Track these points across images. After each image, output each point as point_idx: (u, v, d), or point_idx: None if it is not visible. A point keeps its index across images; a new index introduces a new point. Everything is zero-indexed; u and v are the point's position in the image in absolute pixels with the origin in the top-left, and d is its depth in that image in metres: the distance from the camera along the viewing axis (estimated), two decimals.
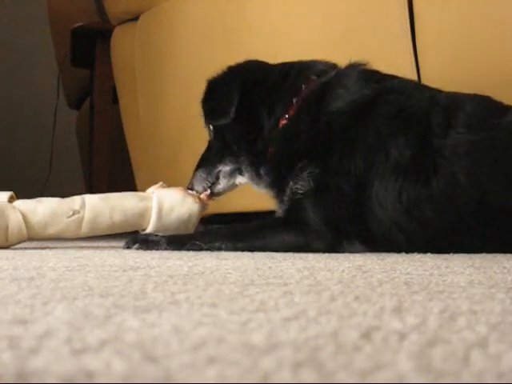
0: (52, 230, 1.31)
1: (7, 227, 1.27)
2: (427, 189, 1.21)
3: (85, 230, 1.33)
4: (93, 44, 2.68)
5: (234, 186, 1.44)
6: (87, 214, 1.32)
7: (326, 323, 0.44)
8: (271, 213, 2.03)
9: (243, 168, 1.38)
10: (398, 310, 0.50)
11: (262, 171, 1.36)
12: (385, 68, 1.37)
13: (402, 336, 0.40)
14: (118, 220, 1.34)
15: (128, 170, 2.37)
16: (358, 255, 1.16)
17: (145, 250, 1.27)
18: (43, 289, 0.61)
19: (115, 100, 2.53)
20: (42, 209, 1.30)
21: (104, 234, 1.39)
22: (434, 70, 1.62)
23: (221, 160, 1.39)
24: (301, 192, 1.25)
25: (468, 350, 0.36)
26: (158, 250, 1.26)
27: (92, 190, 2.60)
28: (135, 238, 1.31)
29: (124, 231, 1.42)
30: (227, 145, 1.38)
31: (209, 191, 1.43)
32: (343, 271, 0.82)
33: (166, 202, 1.37)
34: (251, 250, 1.23)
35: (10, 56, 4.08)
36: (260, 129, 1.34)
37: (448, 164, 1.21)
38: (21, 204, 1.31)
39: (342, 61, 1.37)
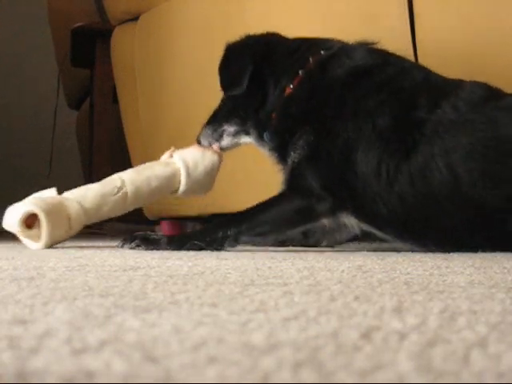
0: (103, 211, 1.38)
1: (69, 216, 1.33)
2: (406, 163, 1.23)
3: (130, 203, 1.41)
4: (93, 44, 2.68)
5: (238, 144, 1.50)
6: (129, 188, 1.39)
7: (325, 323, 0.44)
8: None
9: (249, 131, 1.44)
10: (398, 310, 0.50)
11: (265, 137, 1.41)
12: None
13: (402, 336, 0.40)
14: (155, 187, 1.42)
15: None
16: (357, 255, 1.16)
17: (145, 249, 1.28)
18: (43, 289, 0.61)
19: (115, 100, 2.53)
20: (91, 193, 1.38)
21: (145, 203, 1.50)
22: (434, 70, 1.62)
23: (227, 120, 1.46)
24: (297, 161, 1.31)
25: (468, 350, 0.36)
26: (157, 249, 1.27)
27: None
28: (133, 236, 1.33)
29: (161, 196, 1.49)
30: (235, 108, 1.44)
31: (217, 144, 1.48)
32: (343, 271, 0.82)
33: (190, 160, 1.45)
34: (256, 230, 1.28)
35: (9, 56, 4.08)
36: (266, 97, 1.40)
37: (428, 142, 1.24)
38: (70, 194, 1.37)
39: None
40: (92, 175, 2.65)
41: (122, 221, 2.99)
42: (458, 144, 1.23)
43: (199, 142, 1.48)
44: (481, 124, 1.25)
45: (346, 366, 0.33)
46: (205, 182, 1.47)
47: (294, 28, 1.86)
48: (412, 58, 1.65)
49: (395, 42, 1.66)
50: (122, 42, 2.30)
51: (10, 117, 4.04)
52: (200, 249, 1.25)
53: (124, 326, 0.42)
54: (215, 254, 1.19)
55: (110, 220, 2.51)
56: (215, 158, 1.46)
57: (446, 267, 0.89)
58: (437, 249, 1.26)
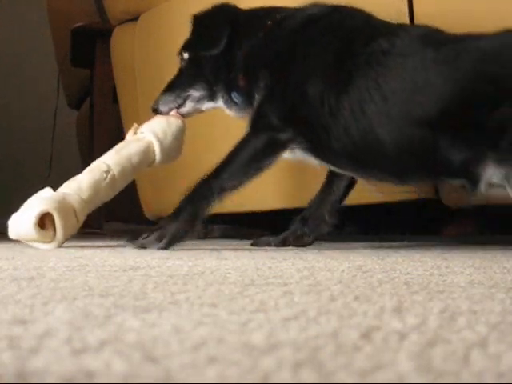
0: (98, 198, 1.40)
1: (74, 209, 1.35)
2: (346, 96, 1.30)
3: (119, 184, 1.43)
4: (93, 44, 2.67)
5: (200, 110, 1.52)
6: (116, 170, 1.42)
7: (325, 323, 0.44)
8: (272, 213, 2.03)
9: (219, 94, 1.47)
10: (398, 310, 0.50)
11: (234, 97, 1.46)
12: None
13: (402, 336, 0.40)
14: (135, 163, 1.45)
15: None
16: (357, 255, 1.16)
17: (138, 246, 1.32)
18: (43, 289, 0.61)
19: (115, 100, 2.52)
20: (85, 184, 1.40)
21: (129, 181, 1.50)
22: None
23: (191, 85, 1.48)
24: (259, 102, 1.39)
25: (468, 350, 0.36)
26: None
27: None
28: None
29: (142, 171, 1.53)
30: (202, 72, 1.47)
31: (175, 111, 1.50)
32: (343, 271, 0.82)
33: (158, 130, 1.48)
34: (237, 175, 1.33)
35: (10, 56, 4.08)
36: (234, 59, 1.45)
37: (362, 74, 1.30)
38: (66, 189, 1.39)
39: None
40: None
41: (122, 221, 2.99)
42: (389, 76, 1.29)
43: (156, 110, 1.50)
44: (412, 59, 1.29)
45: (346, 366, 0.33)
46: (175, 147, 1.51)
47: None
48: None
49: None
50: (122, 42, 2.30)
51: (10, 117, 4.03)
52: (194, 215, 1.30)
53: (124, 326, 0.42)
54: (215, 254, 1.19)
55: (110, 220, 2.51)
56: (179, 122, 1.50)
57: (446, 267, 0.89)
58: (389, 180, 1.35)
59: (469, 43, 1.28)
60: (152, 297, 0.56)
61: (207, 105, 1.50)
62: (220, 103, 1.49)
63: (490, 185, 1.27)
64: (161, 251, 1.25)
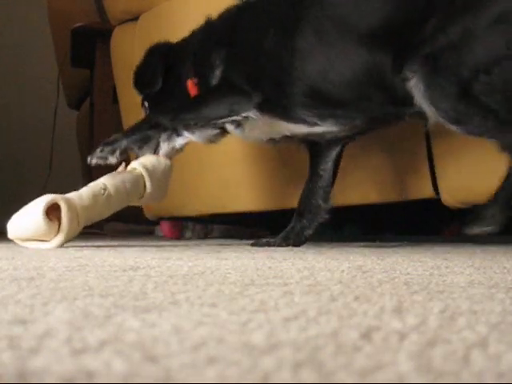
0: (96, 211, 1.41)
1: (77, 213, 1.36)
2: (299, 40, 1.39)
3: (114, 204, 1.44)
4: (93, 44, 2.67)
5: (176, 149, 1.55)
6: (111, 189, 1.44)
7: (325, 323, 0.44)
8: (272, 213, 2.03)
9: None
10: (398, 310, 0.50)
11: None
12: None
13: (402, 336, 0.40)
14: (129, 189, 1.47)
15: None
16: (357, 255, 1.16)
17: (107, 149, 1.43)
18: (43, 289, 0.61)
19: (115, 100, 2.52)
20: (85, 194, 1.41)
21: (122, 207, 1.51)
22: None
23: (156, 128, 1.52)
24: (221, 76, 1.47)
25: (468, 350, 0.36)
26: (117, 146, 1.45)
27: None
28: (97, 145, 1.47)
29: (130, 202, 1.54)
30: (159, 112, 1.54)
31: (155, 155, 1.55)
32: (343, 271, 0.82)
33: (148, 165, 1.51)
34: (190, 121, 1.44)
35: (10, 56, 4.08)
36: (184, 88, 1.53)
37: (306, 17, 1.40)
38: (67, 195, 1.39)
39: None
40: (92, 175, 2.65)
41: (122, 221, 2.99)
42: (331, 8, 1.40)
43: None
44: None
45: (346, 366, 0.33)
46: (164, 184, 1.55)
47: None
48: None
49: None
50: (122, 42, 2.30)
51: (10, 117, 4.03)
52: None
53: (124, 326, 0.42)
54: (215, 254, 1.20)
55: (110, 220, 2.51)
56: (168, 161, 1.54)
57: (446, 267, 0.89)
58: (352, 118, 1.40)
59: None
60: (152, 297, 0.56)
61: (180, 140, 1.53)
62: (187, 134, 1.51)
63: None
64: (161, 251, 1.25)
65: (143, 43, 2.21)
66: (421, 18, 1.31)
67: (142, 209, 2.28)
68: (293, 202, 1.61)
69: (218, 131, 1.51)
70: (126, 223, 3.00)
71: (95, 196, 1.41)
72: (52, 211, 1.34)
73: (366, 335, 0.40)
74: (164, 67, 1.55)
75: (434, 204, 1.72)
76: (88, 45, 2.67)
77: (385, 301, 0.55)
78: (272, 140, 1.54)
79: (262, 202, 1.94)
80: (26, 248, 1.34)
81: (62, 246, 1.34)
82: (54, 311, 0.48)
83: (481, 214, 1.31)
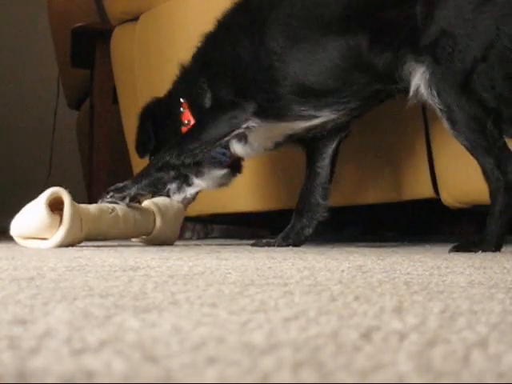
0: (102, 227, 1.41)
1: (80, 217, 1.35)
2: (271, 43, 1.43)
3: (120, 228, 1.43)
4: (93, 44, 2.67)
5: (188, 199, 1.59)
6: (120, 212, 1.43)
7: (325, 323, 0.44)
8: (272, 213, 2.03)
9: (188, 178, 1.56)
10: (398, 310, 0.50)
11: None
12: None
13: (402, 336, 0.40)
14: (138, 219, 1.47)
15: (128, 169, 2.37)
16: (357, 255, 1.16)
17: (117, 196, 1.45)
18: (43, 289, 0.61)
19: (115, 100, 2.52)
20: (91, 207, 1.41)
21: (128, 237, 1.53)
22: None
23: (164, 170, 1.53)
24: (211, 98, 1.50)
25: (468, 350, 0.36)
26: (127, 193, 1.46)
27: (92, 190, 2.60)
28: (107, 191, 1.47)
29: (138, 235, 1.54)
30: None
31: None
32: (343, 271, 0.82)
33: (160, 204, 1.52)
34: (195, 150, 1.44)
35: (9, 56, 4.08)
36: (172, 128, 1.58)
37: (274, 17, 1.44)
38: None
39: None
40: (92, 175, 2.65)
41: None
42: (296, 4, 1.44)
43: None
44: None
45: (346, 366, 0.33)
46: (173, 226, 1.56)
47: None
48: None
49: None
50: (122, 42, 2.30)
51: (10, 117, 4.03)
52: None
53: (124, 326, 0.42)
54: (215, 254, 1.20)
55: None
56: (180, 205, 1.56)
57: (446, 267, 0.89)
58: (338, 103, 1.42)
59: None
60: (152, 297, 0.56)
61: (190, 190, 1.56)
62: (202, 179, 1.55)
63: (419, 90, 1.34)
64: (161, 251, 1.25)
65: (143, 43, 2.22)
66: (404, 3, 1.34)
67: None
68: (293, 202, 1.61)
69: (226, 171, 1.55)
70: None
71: (102, 211, 1.41)
72: (55, 210, 1.34)
73: (366, 335, 0.40)
74: (153, 123, 1.58)
75: (434, 204, 1.72)
76: (88, 45, 2.67)
77: (385, 301, 0.55)
78: (278, 144, 1.54)
79: (262, 202, 1.94)
80: (26, 248, 1.34)
81: (62, 245, 1.33)
82: (53, 311, 0.48)
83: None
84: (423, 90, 1.33)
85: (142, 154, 1.62)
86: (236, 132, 1.45)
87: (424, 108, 1.64)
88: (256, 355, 0.34)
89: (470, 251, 1.27)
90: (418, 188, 1.71)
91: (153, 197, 1.59)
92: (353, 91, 1.40)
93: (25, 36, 4.10)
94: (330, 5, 1.40)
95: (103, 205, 1.44)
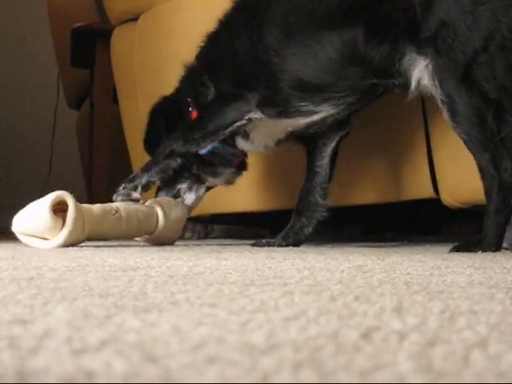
0: (104, 228, 1.40)
1: (83, 218, 1.35)
2: (270, 37, 1.44)
3: (123, 229, 1.43)
4: (93, 44, 2.67)
5: (200, 197, 1.61)
6: (123, 213, 1.43)
7: (326, 323, 0.44)
8: (272, 213, 2.03)
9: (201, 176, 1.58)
10: (398, 310, 0.49)
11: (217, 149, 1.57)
12: None
13: (402, 336, 0.40)
14: (141, 219, 1.47)
15: (128, 170, 2.37)
16: (357, 255, 1.16)
17: (128, 186, 1.46)
18: (43, 289, 0.61)
19: (115, 100, 2.52)
20: (94, 207, 1.40)
21: (131, 237, 1.52)
22: None
23: (177, 179, 1.57)
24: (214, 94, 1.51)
25: (468, 350, 0.36)
26: (138, 182, 1.46)
27: (92, 190, 2.60)
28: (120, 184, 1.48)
29: (140, 235, 1.54)
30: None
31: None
32: (343, 271, 0.82)
33: (164, 204, 1.52)
34: (200, 138, 1.46)
35: (9, 56, 4.08)
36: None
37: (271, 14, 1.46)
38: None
39: None
40: (92, 175, 2.65)
41: None
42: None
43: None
44: None
45: (346, 366, 0.33)
46: (177, 226, 1.56)
47: None
48: None
49: None
50: (122, 42, 2.30)
51: (10, 117, 4.03)
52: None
53: (124, 326, 0.42)
54: (215, 254, 1.20)
55: None
56: (184, 207, 1.56)
57: (446, 267, 0.89)
58: (337, 97, 1.43)
59: None
60: (152, 297, 0.56)
61: (203, 189, 1.59)
62: (215, 178, 1.58)
63: (420, 82, 1.35)
64: (161, 251, 1.25)
65: (143, 43, 2.22)
66: None
67: None
68: (293, 202, 1.61)
69: (234, 169, 1.58)
70: None
71: (105, 212, 1.41)
72: (58, 213, 1.34)
73: (366, 335, 0.40)
74: (166, 126, 1.58)
75: (433, 204, 1.72)
76: (88, 45, 2.67)
77: (385, 301, 0.55)
78: (279, 141, 1.55)
79: (262, 202, 1.94)
80: (26, 248, 1.34)
81: (64, 245, 1.33)
82: (54, 311, 0.48)
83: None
84: (426, 81, 1.33)
85: (151, 151, 1.62)
86: (239, 123, 1.45)
87: (424, 108, 1.64)
88: (256, 355, 0.34)
89: (470, 251, 1.27)
90: (418, 188, 1.71)
91: (156, 196, 1.59)
92: (349, 85, 1.41)
93: (25, 36, 4.10)
94: (321, 0, 1.41)
95: (107, 205, 1.44)
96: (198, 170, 1.56)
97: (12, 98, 4.05)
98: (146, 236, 1.54)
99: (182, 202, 1.57)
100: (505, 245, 1.35)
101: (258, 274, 0.78)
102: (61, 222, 1.33)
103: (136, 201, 1.49)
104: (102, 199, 1.64)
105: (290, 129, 1.50)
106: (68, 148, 3.63)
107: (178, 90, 1.62)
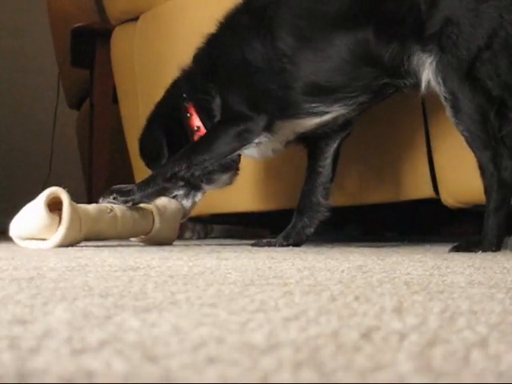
0: (100, 227, 1.40)
1: (79, 216, 1.35)
2: (279, 43, 1.42)
3: (119, 228, 1.43)
4: (93, 44, 2.67)
5: (196, 203, 1.59)
6: (118, 213, 1.43)
7: (326, 323, 0.44)
8: (272, 213, 2.02)
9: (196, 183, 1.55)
10: (398, 310, 0.49)
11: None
12: None
13: (402, 336, 0.40)
14: (136, 219, 1.47)
15: (128, 169, 2.37)
16: (357, 255, 1.16)
17: (120, 199, 1.44)
18: (43, 289, 0.61)
19: (115, 100, 2.52)
20: (90, 207, 1.41)
21: (127, 237, 1.52)
22: None
23: (173, 187, 1.53)
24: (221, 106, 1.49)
25: (468, 350, 0.36)
26: (131, 198, 1.44)
27: (92, 190, 2.60)
28: (110, 190, 1.46)
29: (136, 235, 1.54)
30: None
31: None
32: (343, 271, 0.82)
33: (159, 203, 1.52)
34: (205, 163, 1.43)
35: (10, 56, 4.08)
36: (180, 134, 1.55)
37: (279, 20, 1.44)
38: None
39: None
40: (92, 175, 2.65)
41: None
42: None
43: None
44: None
45: (346, 366, 0.33)
46: (173, 225, 1.55)
47: None
48: None
49: None
50: (122, 42, 2.30)
51: (10, 117, 4.03)
52: (162, 187, 1.46)
53: (124, 326, 0.42)
54: (215, 254, 1.20)
55: None
56: (179, 205, 1.55)
57: (446, 267, 0.89)
58: (348, 98, 1.42)
59: None
60: (152, 297, 0.56)
61: (199, 196, 1.57)
62: (212, 184, 1.55)
63: (430, 82, 1.35)
64: (161, 251, 1.25)
65: (143, 43, 2.22)
66: None
67: None
68: (293, 202, 1.61)
69: (232, 172, 1.55)
70: None
71: (101, 211, 1.41)
72: (54, 210, 1.34)
73: (366, 335, 0.40)
74: (165, 135, 1.55)
75: (433, 204, 1.72)
76: (88, 45, 2.67)
77: (385, 301, 0.55)
78: (288, 143, 1.54)
79: (262, 202, 1.94)
80: (26, 248, 1.34)
81: (62, 245, 1.33)
82: (54, 311, 0.48)
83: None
84: (431, 78, 1.33)
85: (148, 163, 1.60)
86: (246, 147, 1.44)
87: (424, 108, 1.64)
88: (256, 355, 0.34)
89: (470, 251, 1.27)
90: (418, 188, 1.71)
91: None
92: (362, 86, 1.40)
93: (25, 36, 4.10)
94: (332, 2, 1.40)
95: (102, 205, 1.44)
96: (195, 179, 1.52)
97: (12, 98, 4.05)
98: (142, 236, 1.54)
99: (178, 201, 1.56)
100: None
101: (258, 273, 0.78)
102: (57, 219, 1.33)
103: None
104: None
105: (299, 130, 1.49)
106: (68, 148, 3.63)
107: (173, 93, 1.59)
